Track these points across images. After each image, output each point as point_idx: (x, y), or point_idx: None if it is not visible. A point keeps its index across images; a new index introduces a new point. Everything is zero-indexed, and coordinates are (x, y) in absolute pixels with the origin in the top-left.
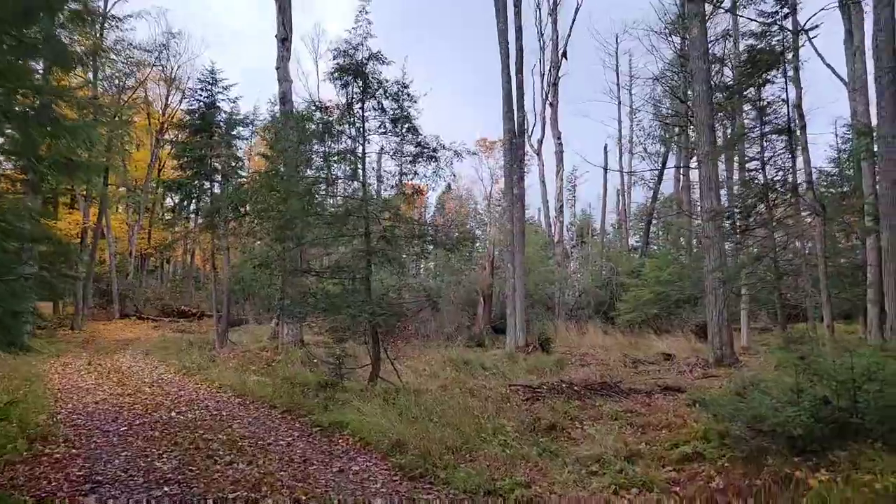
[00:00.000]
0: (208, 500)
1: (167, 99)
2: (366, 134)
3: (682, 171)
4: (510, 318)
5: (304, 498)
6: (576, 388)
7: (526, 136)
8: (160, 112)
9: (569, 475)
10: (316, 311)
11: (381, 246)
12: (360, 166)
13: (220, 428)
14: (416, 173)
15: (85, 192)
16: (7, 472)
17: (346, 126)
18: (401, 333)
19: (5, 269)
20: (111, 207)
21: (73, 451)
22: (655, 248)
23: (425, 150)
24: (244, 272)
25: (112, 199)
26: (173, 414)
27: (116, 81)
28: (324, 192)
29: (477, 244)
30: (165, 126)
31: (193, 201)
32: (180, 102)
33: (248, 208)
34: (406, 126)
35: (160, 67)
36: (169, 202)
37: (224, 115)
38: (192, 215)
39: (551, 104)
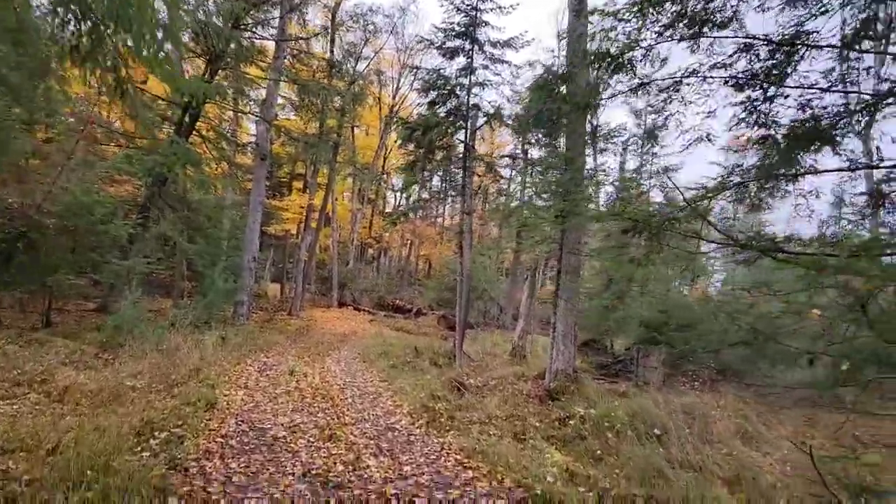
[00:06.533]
0: None
1: (398, 81)
2: None
3: None
4: None
5: None
6: None
7: None
8: (391, 96)
9: None
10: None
11: None
12: None
13: None
14: None
15: (314, 168)
16: None
17: None
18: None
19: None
20: (337, 188)
21: None
22: None
23: None
24: (478, 271)
25: (338, 174)
26: None
27: (352, 50)
28: None
29: None
30: (395, 110)
31: (440, 153)
32: (411, 85)
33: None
34: None
35: (395, 35)
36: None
37: (490, 30)
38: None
39: None
